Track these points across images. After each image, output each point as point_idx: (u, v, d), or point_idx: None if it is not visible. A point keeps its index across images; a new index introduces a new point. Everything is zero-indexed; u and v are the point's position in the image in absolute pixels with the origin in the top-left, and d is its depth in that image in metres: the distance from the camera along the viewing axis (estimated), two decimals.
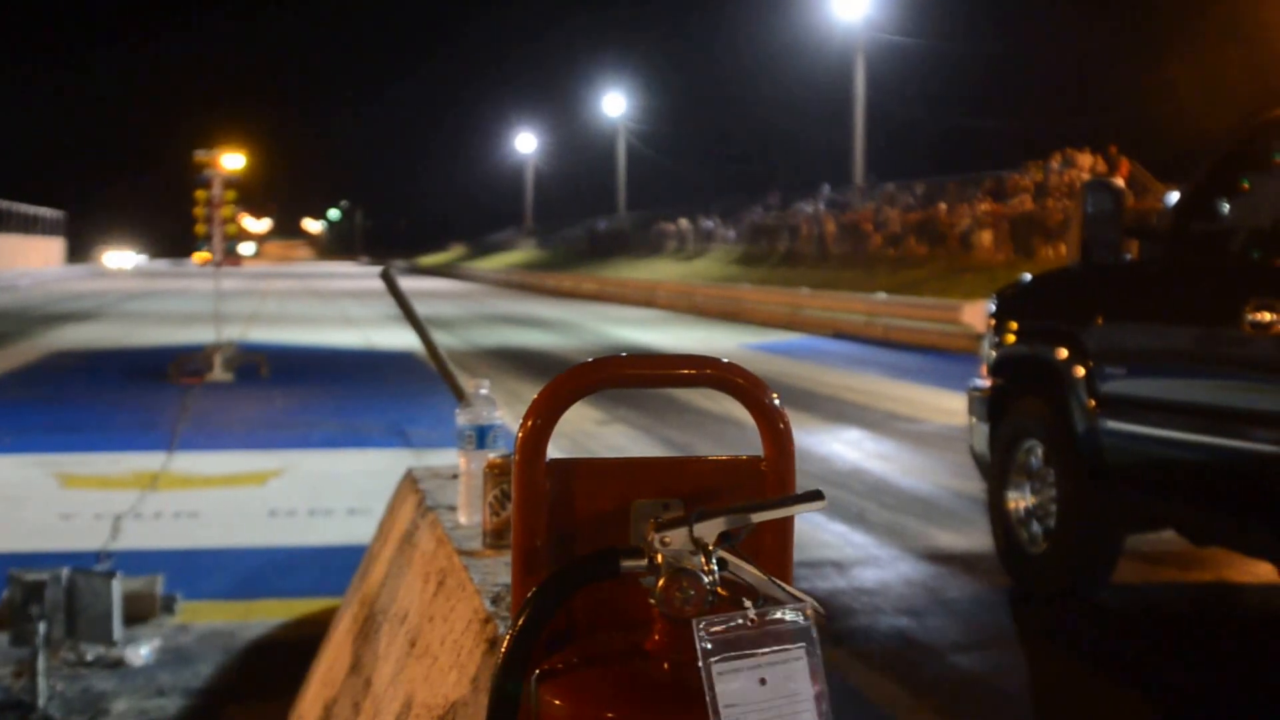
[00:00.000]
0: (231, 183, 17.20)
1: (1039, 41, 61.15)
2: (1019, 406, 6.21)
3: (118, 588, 5.08)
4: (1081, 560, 5.87)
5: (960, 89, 61.80)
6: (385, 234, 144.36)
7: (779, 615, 1.31)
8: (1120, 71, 53.08)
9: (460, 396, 3.21)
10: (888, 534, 7.32)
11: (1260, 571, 6.43)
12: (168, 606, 5.73)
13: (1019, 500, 6.15)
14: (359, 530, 6.66)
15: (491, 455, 2.62)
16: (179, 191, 20.54)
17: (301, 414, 12.46)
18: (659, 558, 1.36)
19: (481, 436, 2.75)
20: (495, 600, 2.22)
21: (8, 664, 4.92)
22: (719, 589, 1.35)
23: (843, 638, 5.43)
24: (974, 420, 6.61)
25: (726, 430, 11.17)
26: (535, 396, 1.50)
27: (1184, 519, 5.50)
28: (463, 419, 2.78)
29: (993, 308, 6.66)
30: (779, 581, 1.37)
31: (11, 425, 11.39)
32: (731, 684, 1.26)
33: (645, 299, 37.07)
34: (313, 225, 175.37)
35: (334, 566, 6.16)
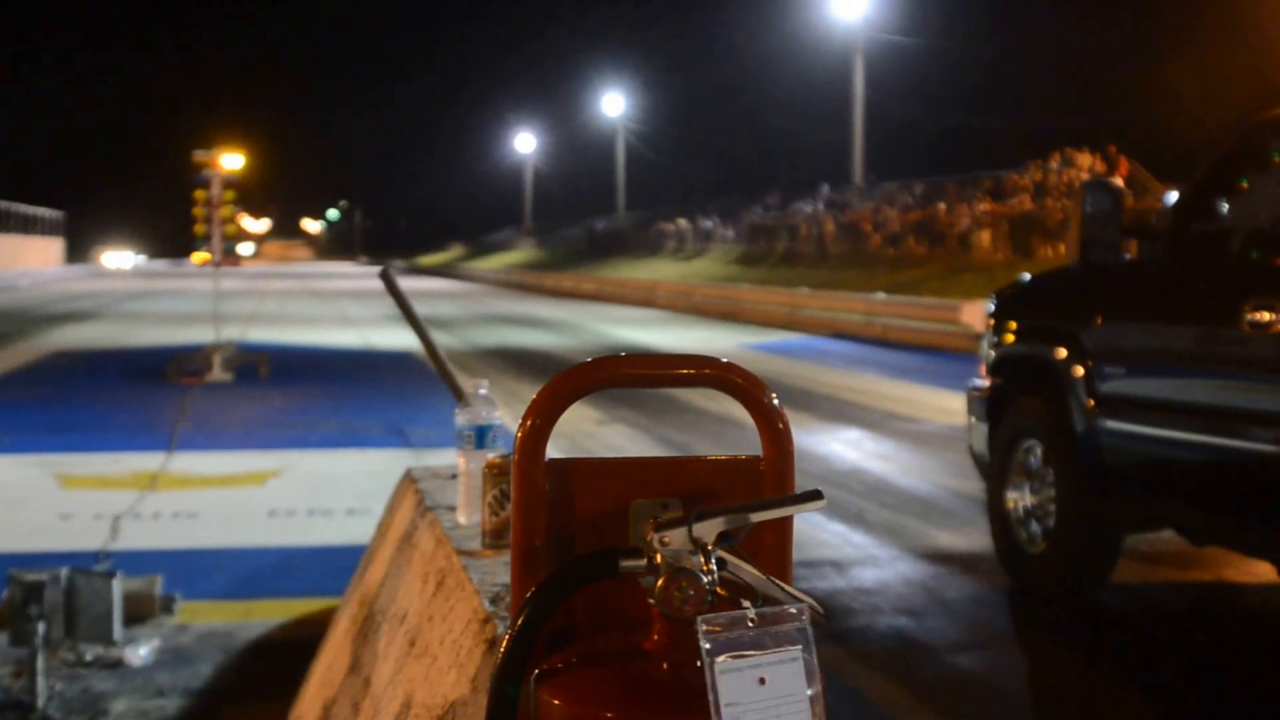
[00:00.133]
0: (230, 183, 17.21)
1: (1038, 41, 61.16)
2: (1018, 406, 6.21)
3: (117, 588, 5.08)
4: (1080, 560, 5.87)
5: (959, 88, 61.83)
6: (384, 234, 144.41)
7: (778, 615, 1.31)
8: (1119, 71, 53.09)
9: (459, 396, 3.21)
10: (887, 534, 7.32)
11: (1259, 571, 6.43)
12: (167, 607, 5.73)
13: (1018, 500, 6.15)
14: (358, 530, 6.66)
15: (490, 455, 2.62)
16: (178, 192, 20.57)
17: (300, 414, 12.46)
18: (658, 558, 1.36)
19: (480, 436, 2.75)
20: (494, 600, 2.22)
21: (7, 664, 4.92)
22: (718, 589, 1.35)
23: (842, 638, 5.43)
24: (973, 420, 6.61)
25: (725, 430, 11.17)
26: (534, 396, 1.50)
27: (1183, 518, 5.50)
28: (462, 419, 2.78)
29: (992, 307, 6.66)
30: (778, 581, 1.37)
31: (11, 425, 11.39)
32: (731, 683, 1.26)
33: (644, 299, 37.07)
34: (312, 225, 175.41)
35: (333, 566, 6.15)
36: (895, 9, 45.65)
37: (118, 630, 5.08)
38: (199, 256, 18.33)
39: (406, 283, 3.97)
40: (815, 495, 1.40)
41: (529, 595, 1.40)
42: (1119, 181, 8.19)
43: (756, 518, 1.38)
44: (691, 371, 1.53)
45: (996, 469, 6.29)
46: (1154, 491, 5.52)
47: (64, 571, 5.00)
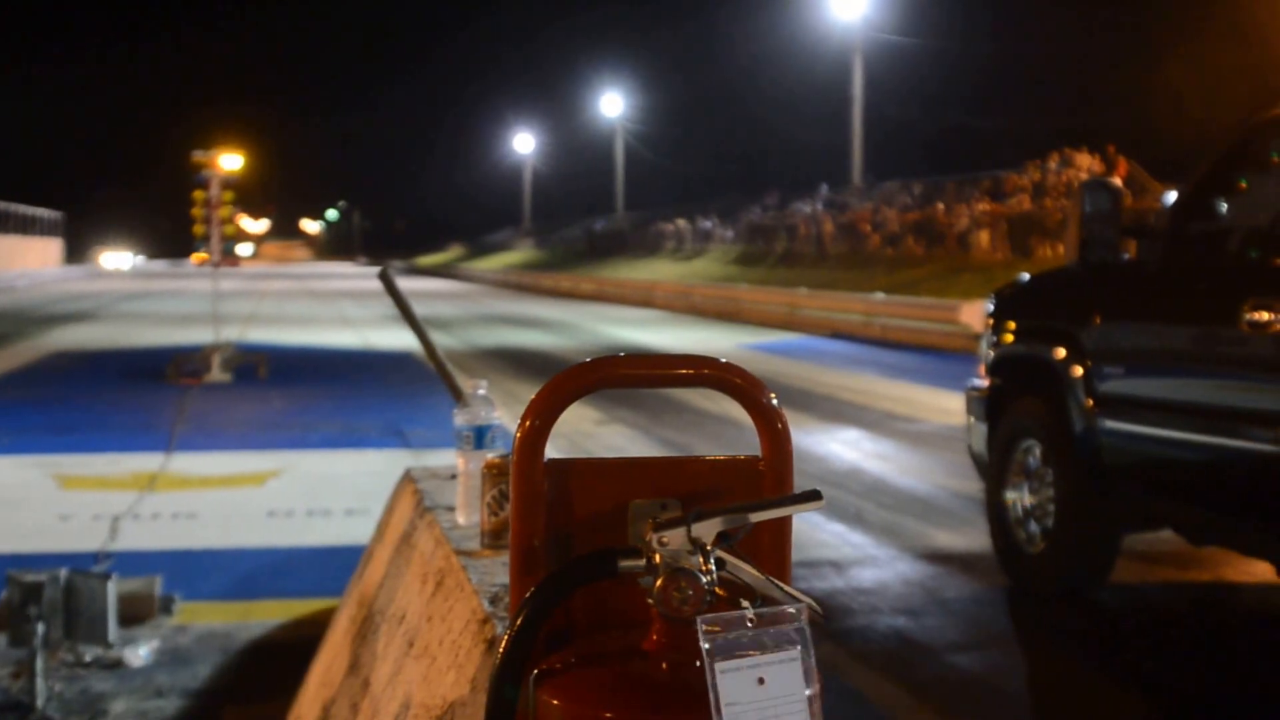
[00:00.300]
0: (229, 183, 17.19)
1: (1037, 41, 61.20)
2: (1017, 406, 6.21)
3: (115, 588, 5.08)
4: (1079, 560, 5.87)
5: (958, 88, 61.89)
6: (383, 234, 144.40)
7: (777, 615, 1.31)
8: (1118, 71, 53.11)
9: (458, 397, 3.21)
10: (886, 534, 7.32)
11: (1258, 571, 6.43)
12: (166, 607, 5.73)
13: (1017, 500, 6.15)
14: (357, 531, 6.66)
15: (489, 455, 2.62)
16: (177, 192, 20.54)
17: (299, 414, 12.45)
18: (657, 558, 1.36)
19: (479, 437, 2.75)
20: (493, 600, 2.22)
21: (6, 665, 4.92)
22: (717, 589, 1.35)
23: (841, 638, 5.43)
24: (972, 420, 6.61)
25: (724, 430, 11.17)
26: (533, 397, 1.50)
27: (1182, 518, 5.50)
28: (461, 419, 2.78)
29: (991, 307, 6.66)
30: (777, 581, 1.37)
31: (10, 426, 11.39)
32: (730, 683, 1.27)
33: (643, 299, 37.07)
34: (311, 226, 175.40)
35: (332, 567, 6.15)
36: (894, 9, 45.69)
37: (116, 631, 5.08)
38: (198, 257, 18.29)
39: (405, 283, 3.97)
40: (814, 495, 1.40)
41: (528, 595, 1.40)
42: (1118, 181, 8.18)
43: (755, 518, 1.38)
44: (690, 372, 1.53)
45: (995, 469, 6.29)
46: (1153, 491, 5.52)
47: (63, 572, 5.00)
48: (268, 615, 5.78)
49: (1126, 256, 5.91)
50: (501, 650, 1.39)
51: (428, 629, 2.49)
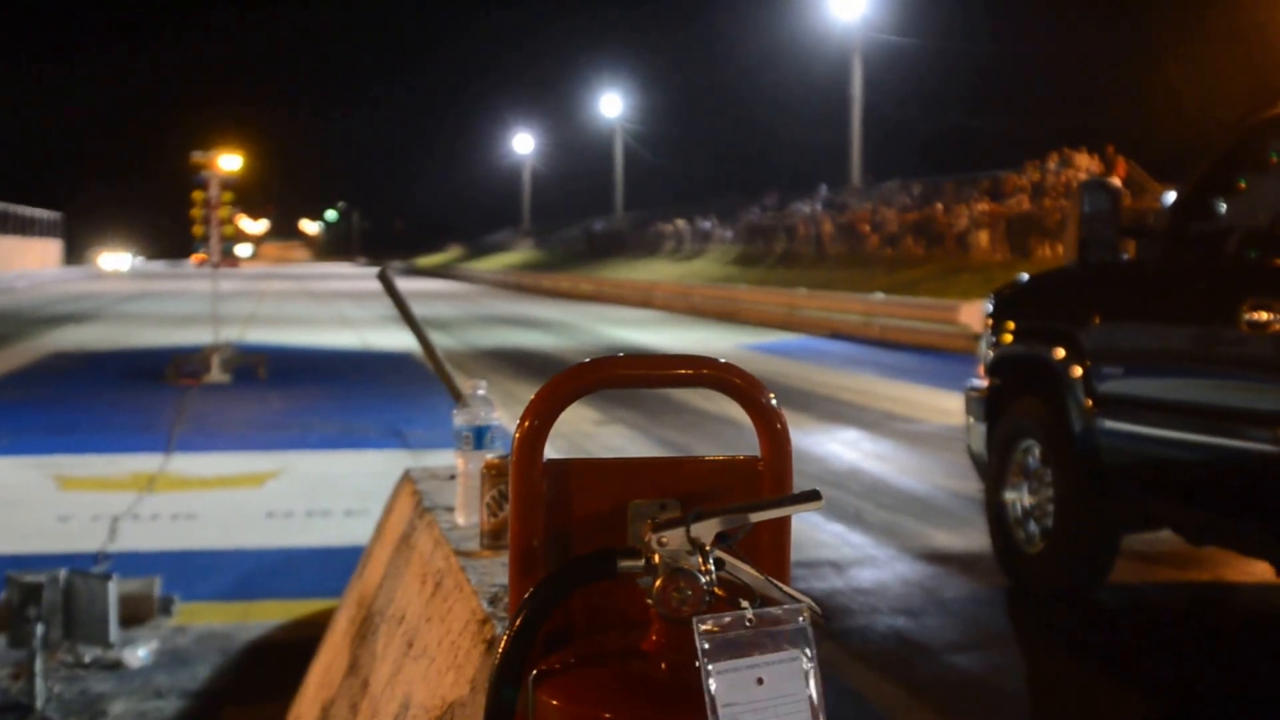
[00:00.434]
0: (228, 184, 17.19)
1: (1036, 41, 61.21)
2: (1016, 406, 6.21)
3: (115, 589, 5.08)
4: (1079, 560, 5.87)
5: (957, 89, 61.90)
6: (382, 235, 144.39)
7: (777, 615, 1.31)
8: (1117, 71, 53.12)
9: (457, 397, 3.21)
10: (885, 534, 7.33)
11: (1256, 571, 6.43)
12: (165, 608, 5.73)
13: (1016, 500, 6.15)
14: (356, 531, 6.66)
15: (489, 456, 2.62)
16: (176, 193, 20.54)
17: (299, 415, 12.45)
18: (656, 558, 1.36)
19: (479, 437, 2.75)
20: (493, 601, 2.22)
21: (6, 666, 4.92)
22: (716, 589, 1.35)
23: (840, 638, 5.43)
24: (971, 420, 6.61)
25: (724, 430, 11.17)
26: (532, 397, 1.50)
27: (1181, 518, 5.50)
28: (460, 420, 2.78)
29: (990, 308, 6.66)
30: (776, 582, 1.37)
31: (9, 427, 11.38)
32: (729, 684, 1.27)
33: (642, 299, 37.07)
34: (310, 226, 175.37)
35: (331, 567, 6.15)
36: (893, 9, 45.69)
37: (116, 632, 5.07)
38: (197, 257, 18.28)
39: (404, 284, 3.97)
40: (813, 495, 1.40)
41: (527, 596, 1.40)
42: (1117, 181, 8.19)
43: (754, 518, 1.38)
44: (689, 372, 1.53)
45: (994, 469, 6.29)
46: (1152, 491, 5.52)
47: (62, 573, 5.00)
48: (267, 616, 5.78)
49: (1126, 257, 5.92)
50: (501, 651, 1.39)
51: (427, 629, 2.49)
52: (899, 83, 54.36)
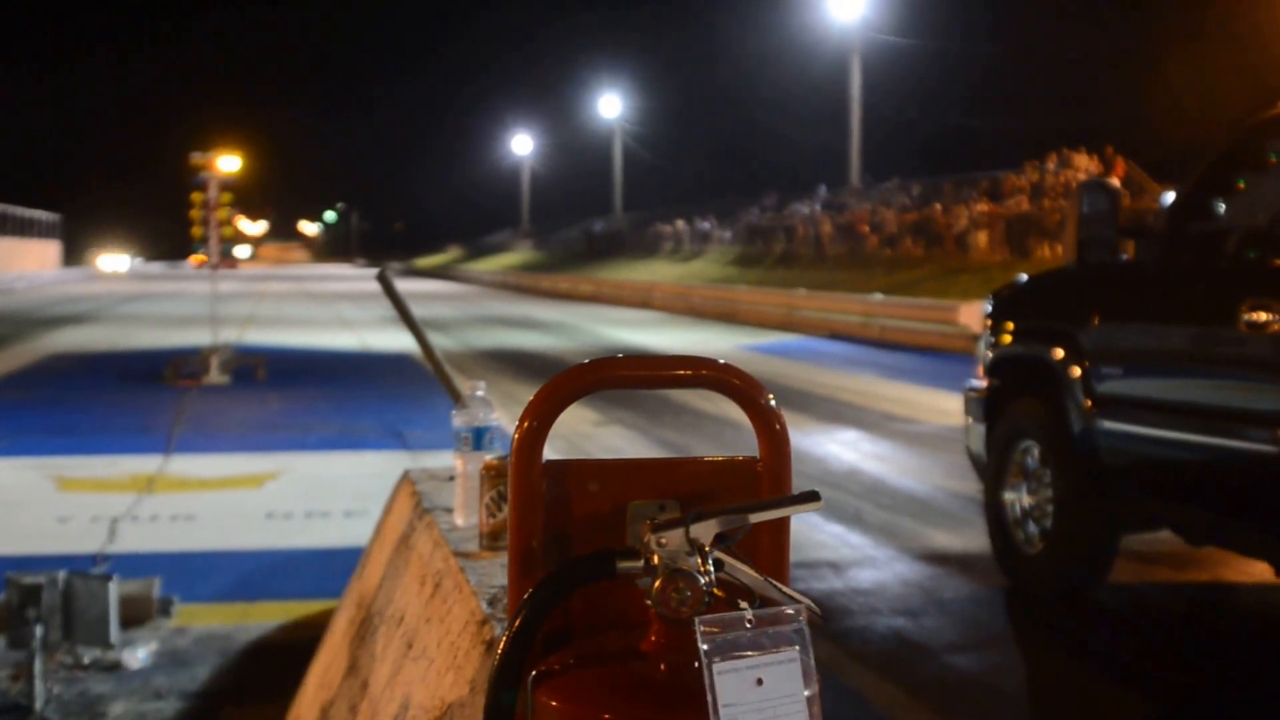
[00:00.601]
0: (227, 185, 17.17)
1: (1035, 42, 61.22)
2: (1015, 407, 6.21)
3: (114, 590, 5.08)
4: (1078, 560, 5.87)
5: (956, 89, 61.94)
6: (381, 236, 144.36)
7: (776, 616, 1.31)
8: (1116, 72, 53.14)
9: (456, 398, 3.21)
10: (884, 535, 7.33)
11: (1255, 571, 6.43)
12: (165, 609, 5.72)
13: (1015, 500, 6.15)
14: (356, 532, 6.66)
15: (488, 457, 2.62)
16: (175, 194, 20.54)
17: (298, 416, 12.45)
18: (655, 559, 1.36)
19: (478, 438, 2.75)
20: (492, 602, 2.22)
21: (5, 667, 4.92)
22: (715, 590, 1.35)
23: (839, 638, 5.43)
24: (970, 421, 6.61)
25: (723, 431, 11.17)
26: (531, 398, 1.50)
27: (1180, 519, 5.50)
28: (459, 421, 2.79)
29: (989, 308, 6.66)
30: (775, 582, 1.37)
31: (9, 428, 11.38)
32: (729, 684, 1.27)
33: (642, 300, 37.07)
34: (309, 227, 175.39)
35: (331, 568, 6.15)
36: (891, 10, 45.71)
37: (115, 633, 5.07)
38: (196, 259, 18.27)
39: (403, 285, 3.97)
40: (812, 496, 1.40)
41: (526, 596, 1.40)
42: (1116, 182, 8.19)
43: (754, 519, 1.38)
44: (688, 373, 1.53)
45: (994, 470, 6.29)
46: (1151, 492, 5.53)
47: (61, 574, 5.00)
48: (266, 617, 5.78)
49: (1125, 257, 5.92)
50: (500, 651, 1.39)
51: (426, 630, 2.49)
52: (898, 83, 54.41)
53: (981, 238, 31.10)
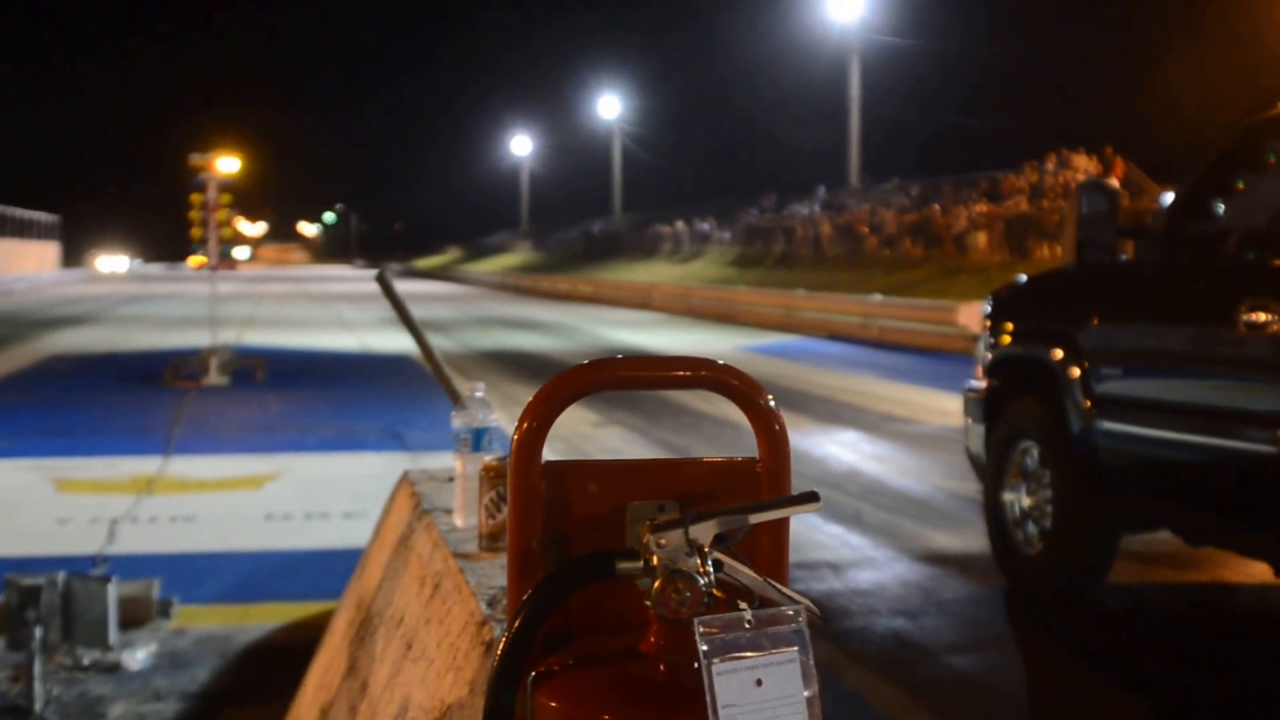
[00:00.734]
0: (226, 186, 17.16)
1: (1034, 42, 61.24)
2: (1014, 408, 6.21)
3: (114, 592, 5.08)
4: (1077, 561, 5.87)
5: (955, 90, 61.97)
6: (380, 237, 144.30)
7: (775, 617, 1.31)
8: (1115, 72, 53.16)
9: (456, 399, 3.21)
10: (883, 535, 7.33)
11: (1254, 571, 6.43)
12: (164, 610, 5.72)
13: (1014, 501, 6.15)
14: (355, 533, 6.65)
15: (487, 458, 2.62)
16: (174, 195, 20.53)
17: (297, 417, 12.45)
18: (654, 559, 1.36)
19: (477, 439, 2.75)
20: (491, 603, 2.22)
21: (4, 669, 4.92)
22: (715, 590, 1.35)
23: (839, 639, 5.43)
24: (970, 421, 6.61)
25: (722, 432, 11.17)
26: (530, 399, 1.50)
27: (1179, 519, 5.50)
28: (458, 422, 2.79)
29: (988, 309, 6.67)
30: (774, 583, 1.37)
31: (8, 429, 11.38)
32: (728, 685, 1.27)
33: (641, 301, 37.07)
34: (308, 229, 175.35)
35: (330, 570, 6.15)
36: (890, 11, 45.71)
37: (114, 634, 5.07)
38: (195, 260, 18.26)
39: (403, 286, 3.97)
40: (812, 497, 1.40)
41: (525, 597, 1.40)
42: (1115, 182, 8.20)
43: (753, 519, 1.38)
44: (688, 373, 1.53)
45: (993, 470, 6.29)
46: (1150, 492, 5.53)
47: (61, 576, 5.00)
48: (266, 618, 5.78)
49: (1124, 258, 5.92)
50: (499, 652, 1.39)
51: (425, 631, 2.49)
52: (897, 84, 54.43)
53: (981, 238, 31.11)
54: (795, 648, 1.30)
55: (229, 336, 19.59)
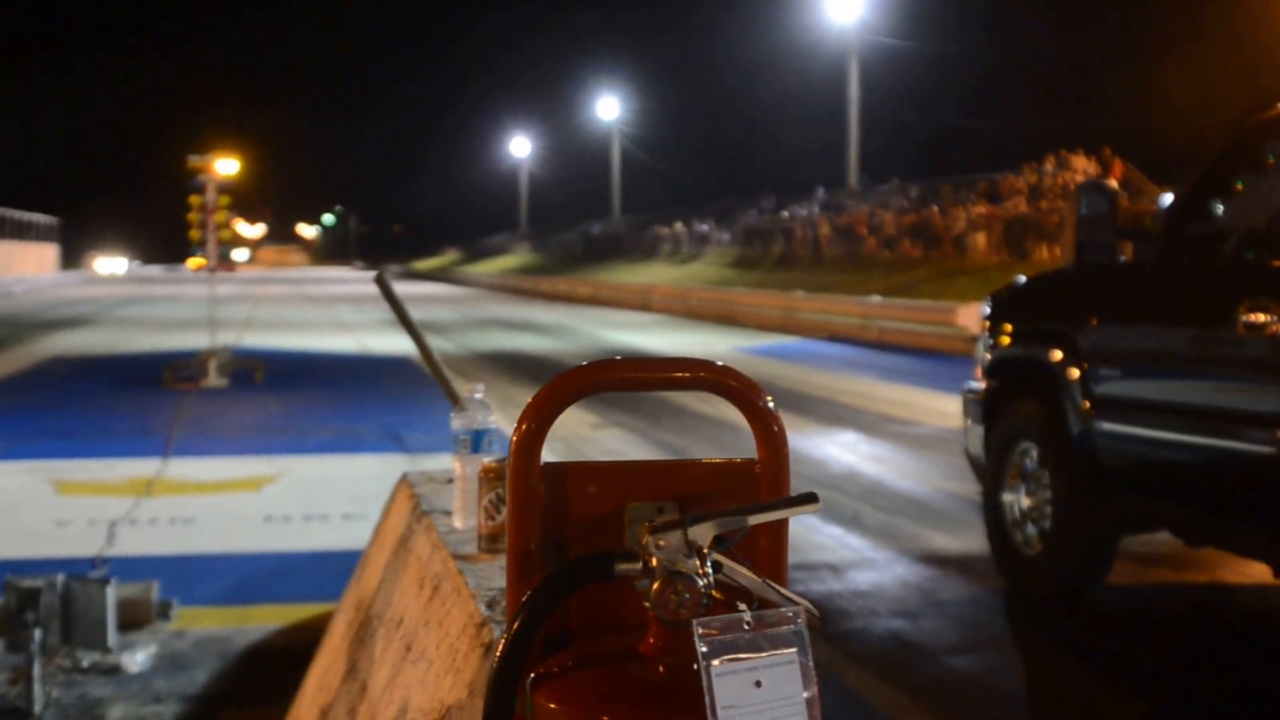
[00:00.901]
0: (225, 188, 17.16)
1: (1033, 43, 61.25)
2: (1014, 409, 6.21)
3: (113, 594, 5.08)
4: (1076, 561, 5.87)
5: (954, 91, 61.97)
6: (379, 239, 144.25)
7: (774, 618, 1.31)
8: (1114, 74, 53.17)
9: (455, 401, 3.21)
10: (883, 536, 7.33)
11: (1254, 572, 6.43)
12: (163, 612, 5.72)
13: (1014, 502, 6.15)
14: (354, 535, 6.65)
15: (486, 459, 2.62)
16: (173, 197, 20.53)
17: (296, 419, 12.45)
18: (653, 561, 1.36)
19: (476, 441, 2.75)
20: (490, 604, 2.22)
21: (3, 671, 4.91)
22: (714, 592, 1.35)
23: (838, 640, 5.43)
24: (969, 422, 6.61)
25: (721, 433, 11.17)
26: (530, 400, 1.50)
27: (1178, 520, 5.50)
28: (457, 423, 2.79)
29: (987, 310, 6.67)
30: (774, 584, 1.37)
31: (7, 431, 11.37)
32: (728, 686, 1.27)
33: (640, 303, 37.07)
34: (307, 230, 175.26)
35: (329, 571, 6.15)
36: (889, 12, 45.70)
37: (114, 636, 5.07)
38: (194, 262, 18.25)
39: (401, 288, 3.97)
40: (811, 498, 1.40)
41: (524, 599, 1.40)
42: (1114, 184, 8.19)
43: (752, 520, 1.38)
44: (687, 375, 1.53)
45: (992, 471, 6.29)
46: (1149, 493, 5.53)
47: (60, 578, 5.00)
48: (265, 620, 5.78)
49: (1123, 259, 5.92)
50: (499, 654, 1.39)
51: (425, 633, 2.49)
52: (896, 85, 54.41)
53: (980, 239, 31.12)
54: (794, 649, 1.30)
55: (228, 338, 19.58)
